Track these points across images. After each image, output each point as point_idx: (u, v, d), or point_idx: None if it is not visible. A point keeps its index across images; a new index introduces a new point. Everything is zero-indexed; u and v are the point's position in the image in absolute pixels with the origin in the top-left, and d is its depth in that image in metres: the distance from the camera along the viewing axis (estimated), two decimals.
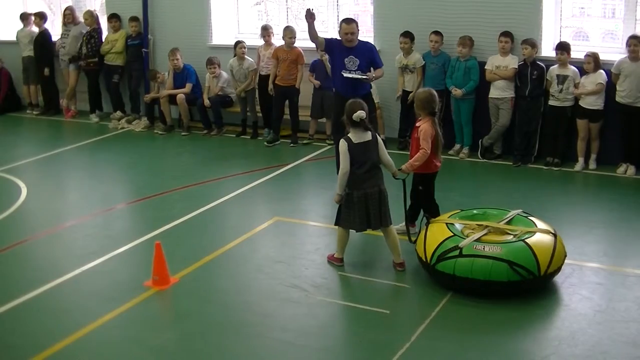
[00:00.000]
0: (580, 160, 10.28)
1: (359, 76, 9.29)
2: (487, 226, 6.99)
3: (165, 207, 9.41)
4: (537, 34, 10.63)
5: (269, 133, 12.44)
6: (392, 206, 7.33)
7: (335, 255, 7.48)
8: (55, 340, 6.19)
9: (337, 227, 7.41)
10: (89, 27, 14.10)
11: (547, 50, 10.72)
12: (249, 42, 12.60)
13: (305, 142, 12.04)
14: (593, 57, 9.95)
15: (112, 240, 8.38)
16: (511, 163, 10.61)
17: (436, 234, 6.97)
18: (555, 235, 6.86)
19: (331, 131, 11.16)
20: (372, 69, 9.49)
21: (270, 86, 12.04)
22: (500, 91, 10.66)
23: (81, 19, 14.30)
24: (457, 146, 11.16)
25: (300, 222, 8.80)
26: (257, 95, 12.58)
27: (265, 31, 12.23)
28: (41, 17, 14.64)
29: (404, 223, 7.78)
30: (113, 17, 13.87)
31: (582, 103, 10.11)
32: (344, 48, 9.40)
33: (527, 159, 10.60)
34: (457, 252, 6.64)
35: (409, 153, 7.93)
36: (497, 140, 10.91)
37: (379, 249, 7.68)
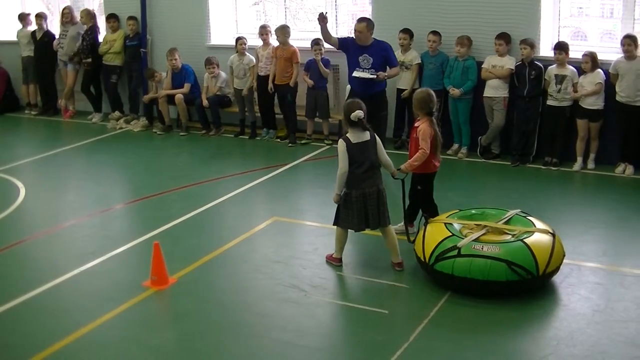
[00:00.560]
0: (579, 160, 10.29)
1: (367, 75, 9.65)
2: (485, 226, 6.99)
3: (163, 207, 9.41)
4: (536, 34, 10.63)
5: (267, 133, 12.47)
6: (390, 206, 7.33)
7: (333, 255, 7.48)
8: (54, 340, 6.18)
9: (335, 227, 7.40)
10: (85, 27, 14.09)
11: (546, 50, 10.72)
12: (247, 42, 12.59)
13: (303, 142, 12.05)
14: (590, 57, 9.97)
15: (111, 240, 8.38)
16: (509, 163, 10.62)
17: (435, 233, 6.97)
18: (553, 235, 6.86)
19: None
20: (387, 67, 9.93)
21: (271, 85, 12.07)
22: (493, 90, 10.68)
23: (78, 19, 14.30)
24: (456, 146, 11.17)
25: (299, 222, 8.80)
26: (255, 96, 12.58)
27: (263, 30, 12.24)
28: (42, 17, 14.63)
29: (402, 223, 7.78)
30: (111, 17, 13.88)
31: (582, 103, 10.12)
32: (358, 47, 9.87)
33: (526, 158, 10.60)
34: (455, 252, 6.64)
35: (406, 153, 7.94)
36: (495, 140, 10.91)
37: (378, 249, 7.68)
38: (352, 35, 10.08)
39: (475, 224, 7.06)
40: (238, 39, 12.55)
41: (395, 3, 11.58)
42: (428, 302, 6.63)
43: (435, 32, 11.07)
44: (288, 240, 8.32)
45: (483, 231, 6.90)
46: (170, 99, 13.02)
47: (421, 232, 7.17)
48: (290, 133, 12.18)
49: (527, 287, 6.61)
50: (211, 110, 12.85)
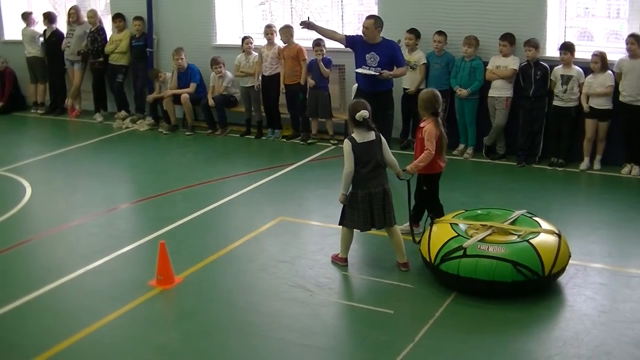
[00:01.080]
0: (586, 160, 10.27)
1: (370, 72, 9.77)
2: (491, 226, 6.98)
3: (169, 206, 9.42)
4: (542, 34, 10.62)
5: (272, 133, 12.48)
6: (396, 206, 7.33)
7: (339, 255, 7.48)
8: (59, 340, 6.19)
9: (341, 226, 7.41)
10: (92, 26, 14.11)
11: (552, 50, 10.70)
12: (254, 41, 12.59)
13: (309, 141, 12.05)
14: (600, 57, 9.94)
15: (116, 239, 8.39)
16: (515, 163, 10.61)
17: (440, 234, 6.97)
18: (559, 235, 6.85)
19: None
20: (394, 67, 9.97)
21: (282, 86, 12.11)
22: (496, 90, 10.68)
23: (84, 19, 14.33)
24: (462, 146, 11.16)
25: (305, 222, 8.80)
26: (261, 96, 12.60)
27: (268, 29, 12.24)
28: (50, 17, 14.62)
29: (408, 223, 7.78)
30: (117, 17, 13.90)
31: (591, 103, 10.09)
32: (366, 45, 9.92)
33: (532, 159, 10.59)
34: (461, 253, 6.64)
35: (412, 153, 7.93)
36: (498, 140, 10.90)
37: (383, 249, 7.68)
38: (360, 33, 10.12)
39: (481, 225, 7.05)
40: (245, 39, 12.58)
41: (401, 3, 11.57)
42: (433, 303, 6.63)
43: (440, 32, 11.06)
44: (294, 240, 8.32)
45: (489, 232, 6.90)
46: (176, 99, 13.03)
47: (427, 233, 7.16)
48: (302, 131, 12.21)
49: (532, 287, 6.60)
50: (217, 110, 12.86)
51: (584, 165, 10.26)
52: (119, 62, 13.89)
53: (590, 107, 10.11)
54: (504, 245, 6.64)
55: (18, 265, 7.88)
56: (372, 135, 7.11)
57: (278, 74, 12.23)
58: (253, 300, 6.87)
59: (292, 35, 11.90)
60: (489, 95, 10.76)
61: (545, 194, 9.41)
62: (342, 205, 7.28)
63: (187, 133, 13.02)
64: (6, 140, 13.35)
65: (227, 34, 13.46)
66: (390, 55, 9.94)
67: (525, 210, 7.36)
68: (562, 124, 10.37)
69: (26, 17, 15.01)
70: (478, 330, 6.26)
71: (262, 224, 8.63)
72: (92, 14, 14.14)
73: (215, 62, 12.70)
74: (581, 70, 10.15)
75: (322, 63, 11.67)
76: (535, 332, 6.16)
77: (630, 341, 5.93)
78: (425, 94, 7.77)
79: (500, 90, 10.65)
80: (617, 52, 10.31)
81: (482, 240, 6.72)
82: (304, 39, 11.98)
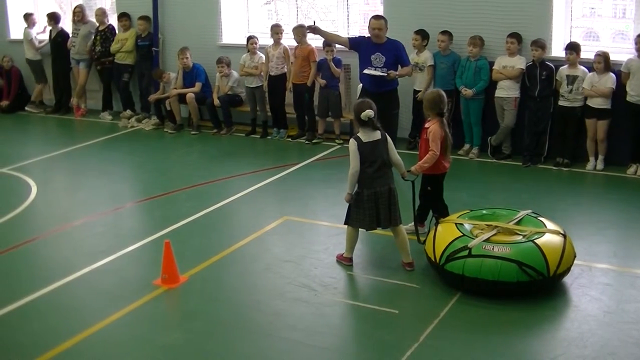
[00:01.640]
0: (592, 159, 10.26)
1: (378, 73, 9.74)
2: (496, 226, 6.97)
3: (174, 205, 9.42)
4: (547, 34, 10.60)
5: (278, 132, 12.48)
6: (401, 205, 7.33)
7: (344, 255, 7.48)
8: (63, 339, 6.20)
9: (346, 226, 7.41)
10: (99, 26, 14.13)
11: (557, 50, 10.69)
12: (258, 41, 12.59)
13: (314, 141, 12.05)
14: (603, 57, 9.92)
15: (122, 238, 8.41)
16: (520, 163, 10.59)
17: (445, 234, 6.97)
18: (564, 235, 6.84)
19: None
20: (399, 66, 9.99)
21: (290, 85, 12.14)
22: (504, 91, 10.66)
23: (91, 18, 14.35)
24: (467, 146, 11.15)
25: (310, 221, 8.80)
26: (267, 95, 12.60)
27: (277, 29, 12.24)
28: (54, 17, 14.62)
29: (413, 223, 7.77)
30: (123, 16, 13.90)
31: (590, 102, 10.08)
32: (371, 45, 9.92)
33: (537, 159, 10.57)
34: (466, 252, 6.63)
35: (418, 153, 7.94)
36: (505, 141, 10.89)
37: (388, 248, 7.68)
38: (363, 33, 10.08)
39: (486, 225, 7.04)
40: (249, 38, 12.57)
41: (407, 3, 11.56)
42: (438, 303, 6.63)
43: (444, 32, 11.04)
44: (299, 239, 8.32)
45: (494, 232, 6.89)
46: (182, 98, 13.04)
47: (432, 232, 7.16)
48: (308, 131, 12.21)
49: (537, 288, 6.59)
50: (222, 110, 12.87)
51: (590, 165, 10.24)
52: (124, 62, 13.90)
53: (589, 107, 10.10)
54: (509, 245, 6.63)
55: (23, 264, 7.89)
56: (377, 135, 7.11)
57: (284, 74, 12.23)
58: (258, 300, 6.87)
59: (305, 35, 11.85)
60: (497, 95, 10.74)
61: (550, 194, 9.40)
62: (348, 204, 7.29)
63: (193, 132, 13.03)
64: (12, 139, 13.36)
65: (232, 33, 13.47)
66: (395, 55, 9.94)
67: (530, 210, 7.35)
68: (568, 124, 10.35)
69: (27, 18, 15.01)
70: (483, 330, 6.25)
71: (267, 224, 8.63)
72: (100, 12, 14.15)
73: (220, 62, 12.71)
74: (587, 70, 10.12)
75: (332, 63, 11.66)
76: (540, 332, 6.16)
77: (636, 342, 5.91)
78: (430, 95, 7.77)
79: (508, 91, 10.63)
80: (623, 52, 10.30)
81: (487, 240, 6.72)
82: (312, 38, 11.99)
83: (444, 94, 7.74)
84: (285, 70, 12.23)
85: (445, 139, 7.59)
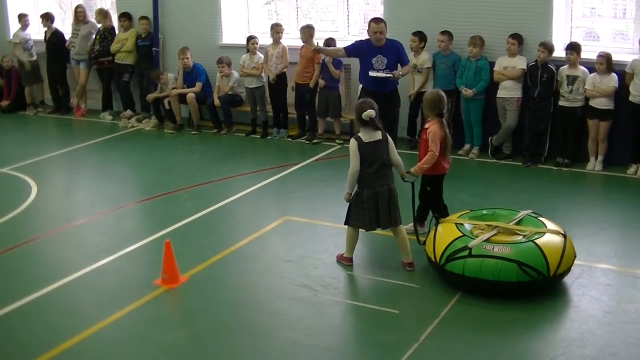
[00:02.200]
0: (592, 159, 10.25)
1: (384, 75, 9.81)
2: (496, 226, 6.97)
3: (174, 205, 9.43)
4: (548, 35, 10.59)
5: (278, 132, 12.49)
6: (401, 205, 7.33)
7: (344, 255, 7.48)
8: (64, 339, 6.21)
9: (346, 226, 7.41)
10: (100, 26, 14.13)
11: (558, 50, 10.66)
12: (259, 41, 12.59)
13: (315, 141, 12.05)
14: (605, 58, 9.90)
15: (122, 238, 8.40)
16: (521, 163, 10.59)
17: (445, 234, 6.97)
18: (564, 236, 6.84)
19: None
20: (399, 65, 10.02)
21: (293, 83, 12.14)
22: (506, 91, 10.65)
23: (91, 18, 14.34)
24: (467, 146, 11.15)
25: (310, 221, 8.80)
26: (267, 95, 12.60)
27: (275, 28, 12.24)
28: (48, 17, 14.62)
29: (412, 224, 7.77)
30: (123, 16, 13.90)
31: (592, 103, 10.08)
32: (372, 48, 9.95)
33: (537, 159, 10.57)
34: (466, 253, 6.63)
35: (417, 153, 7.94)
36: (506, 141, 10.89)
37: (388, 248, 7.68)
38: (363, 33, 10.10)
39: (486, 225, 7.04)
40: (249, 38, 12.57)
41: (407, 3, 11.55)
42: (438, 302, 6.63)
43: (444, 32, 11.03)
44: (299, 239, 8.32)
45: (494, 232, 6.89)
46: (182, 98, 13.04)
47: (432, 233, 7.16)
48: (308, 131, 12.22)
49: (537, 288, 6.59)
50: (222, 110, 12.87)
51: (590, 165, 10.24)
52: (125, 61, 13.89)
53: (592, 107, 10.10)
54: (510, 245, 6.63)
55: (24, 264, 7.89)
56: (378, 135, 7.11)
57: (284, 73, 12.23)
58: (258, 300, 6.87)
59: (312, 36, 11.83)
60: (499, 96, 10.73)
61: (550, 194, 9.40)
62: (348, 205, 7.29)
63: (193, 132, 13.03)
64: (12, 139, 13.36)
65: (233, 33, 13.47)
66: (396, 55, 9.97)
67: (530, 211, 7.35)
68: (568, 124, 10.35)
69: (20, 18, 14.95)
70: (483, 330, 6.26)
71: (267, 224, 8.63)
72: (99, 13, 14.14)
73: (219, 62, 12.70)
74: (587, 70, 10.12)
75: (331, 64, 11.66)
76: (541, 332, 6.16)
77: (636, 342, 5.92)
78: (430, 95, 7.77)
79: (510, 91, 10.62)
80: (623, 53, 10.30)
81: (487, 240, 6.72)
82: (318, 38, 11.98)
83: (443, 94, 7.73)
84: (285, 69, 12.22)
85: (445, 140, 7.59)
